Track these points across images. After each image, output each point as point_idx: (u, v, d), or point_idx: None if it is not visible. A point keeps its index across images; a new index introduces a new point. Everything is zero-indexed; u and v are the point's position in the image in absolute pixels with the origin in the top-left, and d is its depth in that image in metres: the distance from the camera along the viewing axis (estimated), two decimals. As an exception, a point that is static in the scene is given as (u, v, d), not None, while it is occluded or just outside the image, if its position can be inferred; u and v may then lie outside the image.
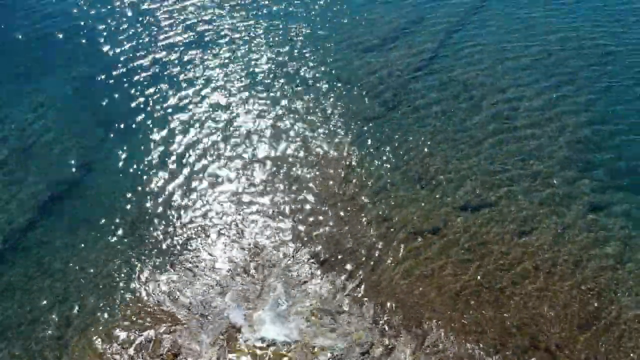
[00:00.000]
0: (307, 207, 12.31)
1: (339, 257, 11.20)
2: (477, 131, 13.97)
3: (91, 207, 12.50)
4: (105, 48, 17.61)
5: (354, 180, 12.87)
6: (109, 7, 19.78)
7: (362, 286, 10.62)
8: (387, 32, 17.96)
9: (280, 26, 18.53)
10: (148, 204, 12.53)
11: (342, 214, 12.10)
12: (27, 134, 14.49)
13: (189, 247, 11.58)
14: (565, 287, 10.36)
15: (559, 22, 18.20)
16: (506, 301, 10.18)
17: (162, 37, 18.10)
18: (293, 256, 11.27)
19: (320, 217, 12.04)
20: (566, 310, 10.00)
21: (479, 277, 10.58)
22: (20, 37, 18.30)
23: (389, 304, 10.27)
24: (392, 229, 11.67)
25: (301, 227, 11.85)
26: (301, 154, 13.66)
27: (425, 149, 13.51)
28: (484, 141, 13.67)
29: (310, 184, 12.83)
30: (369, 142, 13.88)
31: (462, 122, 14.28)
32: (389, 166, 13.17)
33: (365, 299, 10.40)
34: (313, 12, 19.15)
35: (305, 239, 11.60)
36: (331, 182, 12.85)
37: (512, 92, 15.22)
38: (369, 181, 12.83)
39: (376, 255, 11.18)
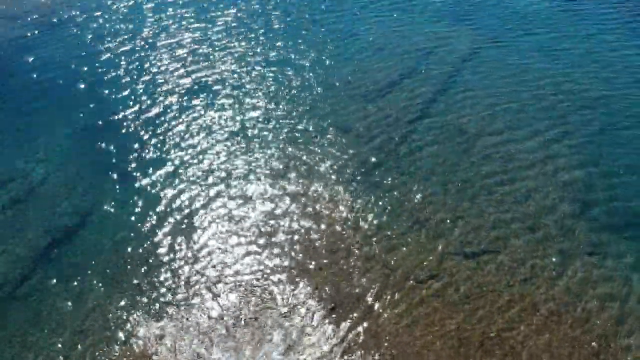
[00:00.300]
0: (304, 253, 12.51)
1: (338, 304, 11.30)
2: (473, 175, 14.35)
3: (89, 255, 12.69)
4: (105, 97, 18.20)
5: (352, 225, 13.13)
6: (108, 56, 20.51)
7: (363, 335, 10.69)
8: (382, 80, 18.61)
9: (278, 73, 19.22)
10: (145, 252, 12.72)
11: (339, 260, 12.29)
12: (26, 183, 14.82)
13: (186, 295, 11.70)
14: (565, 330, 10.46)
15: (550, 68, 18.94)
16: (506, 346, 10.25)
17: (160, 86, 18.73)
18: (290, 304, 11.37)
19: (318, 264, 12.21)
20: (566, 352, 10.06)
21: (479, 323, 10.68)
22: (20, 87, 18.90)
23: (391, 355, 10.31)
24: (391, 275, 11.83)
25: (299, 274, 12.01)
26: (299, 199, 13.96)
27: (422, 193, 13.83)
28: (480, 184, 14.02)
29: (308, 230, 13.08)
30: (366, 187, 14.22)
31: (458, 166, 14.67)
32: (386, 211, 13.45)
33: (367, 349, 10.44)
34: (310, 61, 19.90)
35: (303, 285, 11.74)
36: (329, 228, 13.09)
37: (506, 136, 15.71)
38: (367, 226, 13.08)
39: (375, 302, 11.30)
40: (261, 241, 12.85)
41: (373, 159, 15.12)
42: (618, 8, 23.00)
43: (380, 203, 13.70)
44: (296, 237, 12.93)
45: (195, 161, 15.37)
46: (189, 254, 12.59)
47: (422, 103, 17.30)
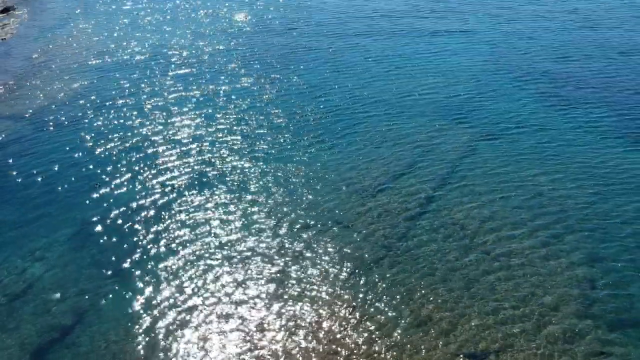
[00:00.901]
0: (305, 353, 12.56)
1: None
2: (473, 272, 14.77)
3: (83, 356, 12.69)
4: (104, 192, 18.93)
5: (353, 324, 13.29)
6: (106, 155, 21.42)
7: None
8: (380, 175, 19.50)
9: (277, 169, 20.08)
10: (141, 353, 12.75)
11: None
12: (22, 279, 15.13)
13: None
14: None
15: (544, 162, 20.06)
16: None
17: (158, 183, 19.47)
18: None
19: (319, 363, 12.28)
20: None
21: None
22: (21, 185, 19.59)
23: None
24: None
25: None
26: (299, 297, 14.23)
27: (423, 291, 14.16)
28: (481, 282, 14.41)
29: (307, 329, 13.23)
30: (366, 284, 14.57)
31: (458, 263, 15.15)
32: (386, 309, 13.73)
33: None
34: (307, 156, 20.90)
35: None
36: (329, 326, 13.25)
37: (505, 231, 16.32)
38: (369, 324, 13.28)
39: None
40: (259, 341, 12.97)
41: (373, 256, 15.57)
42: (602, 107, 24.55)
43: (382, 301, 13.98)
44: (295, 336, 13.05)
45: (196, 260, 15.79)
46: (188, 356, 12.62)
47: (420, 198, 18.05)
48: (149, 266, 15.50)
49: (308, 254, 15.78)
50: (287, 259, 15.66)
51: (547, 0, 44.21)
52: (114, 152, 21.53)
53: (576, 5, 42.83)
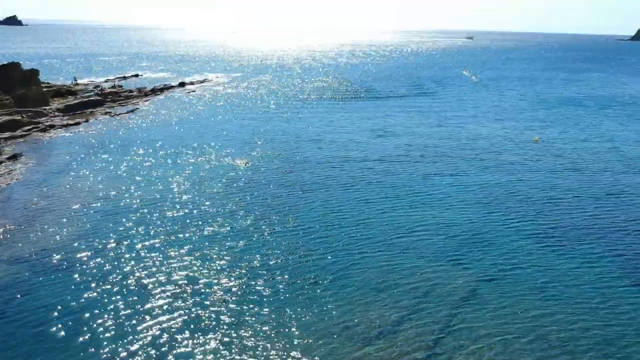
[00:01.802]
0: None
1: None
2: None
3: None
4: (97, 337, 18.76)
5: None
6: (102, 291, 21.46)
7: None
8: (380, 319, 19.56)
9: (274, 312, 20.04)
10: None
11: None
12: None
13: None
14: None
15: (548, 303, 20.38)
16: None
17: (155, 323, 19.42)
18: None
19: None
20: None
21: None
22: (13, 325, 19.39)
23: None
24: None
25: None
26: None
27: None
28: None
29: None
30: None
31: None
32: None
33: None
34: (304, 298, 20.94)
35: None
36: None
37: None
38: None
39: None
40: None
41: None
42: (594, 246, 25.26)
43: None
44: None
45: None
46: None
47: (420, 343, 18.00)
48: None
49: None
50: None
51: (533, 146, 47.16)
52: (108, 296, 21.57)
53: (562, 150, 45.61)
